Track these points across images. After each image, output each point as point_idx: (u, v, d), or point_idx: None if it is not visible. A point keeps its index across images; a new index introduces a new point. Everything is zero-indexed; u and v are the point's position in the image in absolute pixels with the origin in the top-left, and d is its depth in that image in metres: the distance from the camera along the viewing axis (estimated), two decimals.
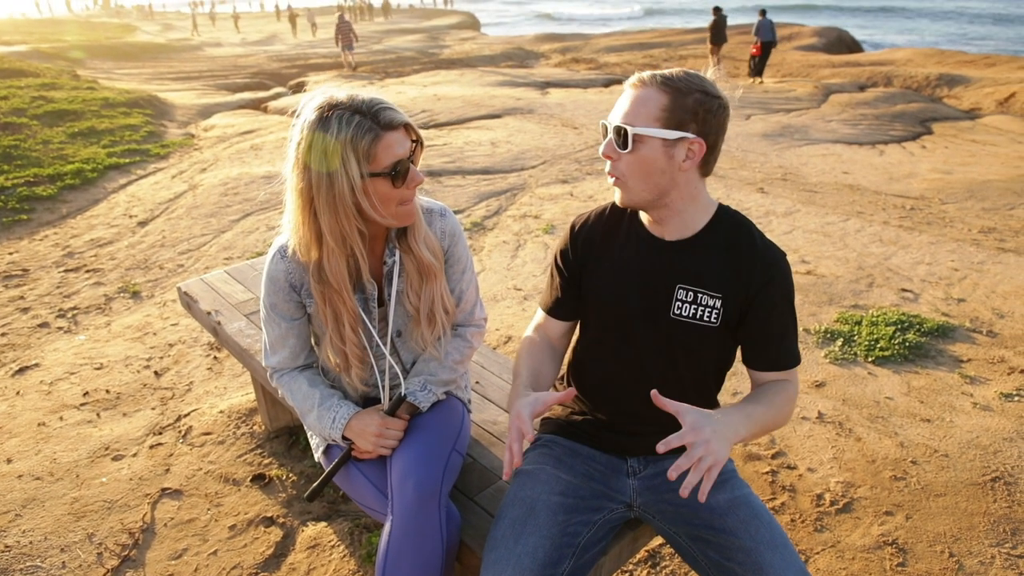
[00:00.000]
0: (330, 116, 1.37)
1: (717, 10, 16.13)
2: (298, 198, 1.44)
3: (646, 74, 1.39)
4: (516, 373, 1.62)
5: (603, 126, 1.45)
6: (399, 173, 1.42)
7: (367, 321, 1.65)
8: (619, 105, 1.42)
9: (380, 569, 1.48)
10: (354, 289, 1.59)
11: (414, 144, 1.47)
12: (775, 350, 1.53)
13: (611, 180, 1.46)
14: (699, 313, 1.49)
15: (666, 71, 1.39)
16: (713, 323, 1.49)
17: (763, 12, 15.43)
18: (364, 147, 1.36)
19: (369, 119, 1.37)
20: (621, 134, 1.38)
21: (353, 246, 1.48)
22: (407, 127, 1.45)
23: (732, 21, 17.80)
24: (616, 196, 1.49)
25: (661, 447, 1.25)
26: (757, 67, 16.04)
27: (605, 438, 1.63)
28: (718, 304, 1.48)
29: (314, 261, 1.51)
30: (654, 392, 1.33)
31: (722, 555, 1.42)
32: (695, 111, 1.35)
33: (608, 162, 1.45)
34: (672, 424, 1.56)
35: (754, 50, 15.72)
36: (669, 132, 1.35)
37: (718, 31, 16.21)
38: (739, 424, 1.36)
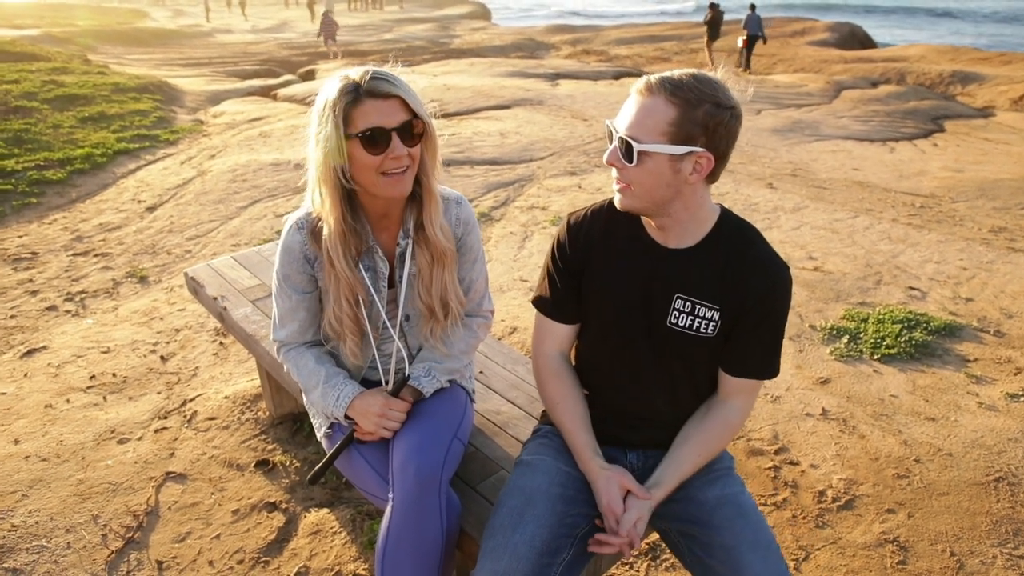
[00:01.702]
0: (334, 80, 1.45)
1: (714, 7, 16.79)
2: (313, 151, 1.51)
3: (655, 79, 1.31)
4: (568, 428, 1.58)
5: (608, 128, 1.40)
6: (371, 139, 1.44)
7: (377, 300, 1.66)
8: (625, 111, 1.35)
9: (380, 554, 1.49)
10: (359, 259, 1.61)
11: (411, 120, 1.48)
12: (756, 360, 1.51)
13: (616, 186, 1.43)
14: (696, 324, 1.47)
15: (676, 76, 1.30)
16: (710, 334, 1.48)
17: (752, 7, 16.32)
18: (340, 109, 1.42)
19: (355, 84, 1.43)
20: (626, 147, 1.33)
21: (337, 209, 1.53)
22: (405, 103, 1.46)
23: (736, 16, 18.22)
24: (616, 200, 1.45)
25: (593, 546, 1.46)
26: (744, 59, 16.69)
27: (605, 431, 1.63)
28: (716, 316, 1.46)
29: (319, 218, 1.57)
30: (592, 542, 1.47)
31: (705, 552, 1.43)
32: (705, 124, 1.29)
33: (613, 168, 1.40)
34: (672, 421, 1.58)
35: (741, 42, 16.47)
36: (676, 148, 1.30)
37: (715, 27, 16.92)
38: (667, 490, 1.50)
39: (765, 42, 17.14)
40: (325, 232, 1.56)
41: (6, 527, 2.33)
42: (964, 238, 5.44)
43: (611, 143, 1.39)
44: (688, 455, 1.52)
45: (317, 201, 1.55)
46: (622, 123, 1.35)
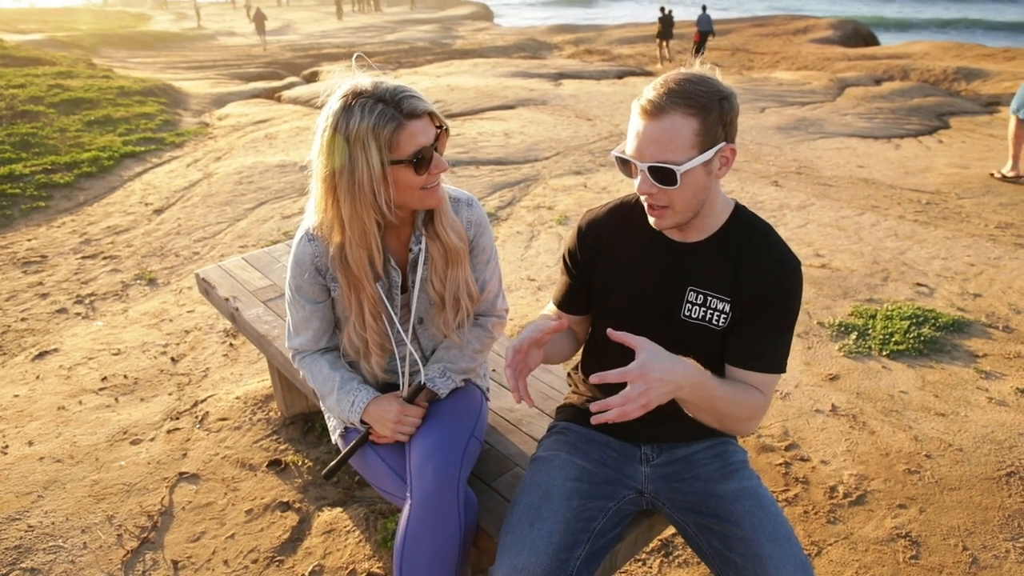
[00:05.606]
0: (354, 105, 1.38)
1: (663, 10, 18.99)
2: (322, 184, 1.47)
3: (658, 98, 1.28)
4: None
5: (621, 160, 1.37)
6: (421, 161, 1.43)
7: (389, 308, 1.66)
8: (642, 138, 1.32)
9: (398, 552, 1.50)
10: (377, 276, 1.60)
11: (439, 131, 1.48)
12: (761, 352, 1.47)
13: (653, 210, 1.40)
14: (708, 316, 1.48)
15: (676, 87, 1.28)
16: (721, 326, 1.48)
17: (704, 8, 18.85)
18: (387, 135, 1.38)
19: (392, 107, 1.38)
20: (665, 173, 1.31)
21: (369, 236, 1.49)
22: (431, 115, 1.46)
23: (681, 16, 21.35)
24: (655, 223, 1.43)
25: (595, 379, 1.21)
26: (694, 52, 18.55)
27: (618, 425, 1.63)
28: (727, 308, 1.47)
29: (337, 246, 1.53)
30: (609, 330, 1.29)
31: (724, 545, 1.43)
32: (722, 121, 1.31)
33: (643, 195, 1.38)
34: (684, 415, 1.57)
35: (696, 37, 18.57)
36: (707, 154, 1.31)
37: (667, 27, 19.02)
38: (693, 383, 1.30)
39: (714, 36, 19.98)
40: (351, 259, 1.52)
41: (23, 527, 2.35)
42: (971, 234, 5.44)
43: (635, 174, 1.36)
44: (723, 387, 1.40)
45: (327, 222, 1.51)
46: (647, 152, 1.32)
